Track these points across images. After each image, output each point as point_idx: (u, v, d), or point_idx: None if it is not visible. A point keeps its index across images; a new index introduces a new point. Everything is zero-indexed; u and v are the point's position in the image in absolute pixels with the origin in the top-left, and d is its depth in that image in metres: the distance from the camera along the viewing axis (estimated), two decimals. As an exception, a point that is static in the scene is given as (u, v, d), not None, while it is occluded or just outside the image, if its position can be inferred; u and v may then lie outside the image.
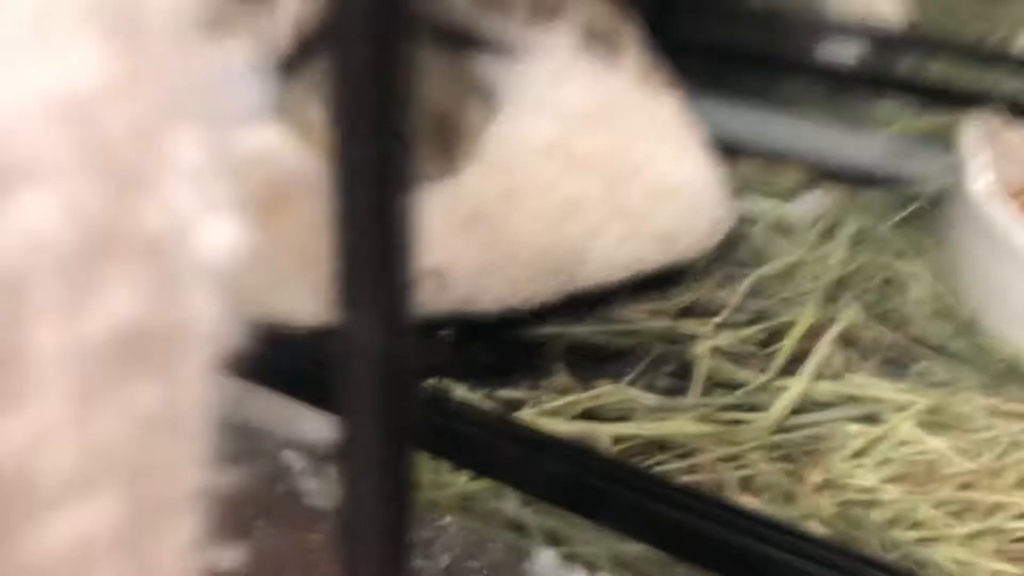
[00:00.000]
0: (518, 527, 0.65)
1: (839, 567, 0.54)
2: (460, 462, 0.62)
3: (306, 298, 0.75)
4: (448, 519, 0.57)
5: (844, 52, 1.22)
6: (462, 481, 0.67)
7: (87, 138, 0.14)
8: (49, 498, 0.13)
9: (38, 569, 0.14)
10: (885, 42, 1.22)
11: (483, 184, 0.83)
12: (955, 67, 1.21)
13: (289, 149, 0.78)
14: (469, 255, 0.82)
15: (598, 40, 0.91)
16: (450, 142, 0.83)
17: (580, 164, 0.85)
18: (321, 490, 0.64)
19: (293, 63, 0.79)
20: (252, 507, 0.61)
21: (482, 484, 0.68)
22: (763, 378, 0.81)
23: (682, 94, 0.94)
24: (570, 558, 0.62)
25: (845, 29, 1.24)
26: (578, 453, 0.63)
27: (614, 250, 0.85)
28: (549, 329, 0.85)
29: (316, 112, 0.79)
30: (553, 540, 0.65)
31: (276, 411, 0.67)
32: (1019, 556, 0.69)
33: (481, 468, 0.59)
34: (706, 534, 0.56)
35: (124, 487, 0.14)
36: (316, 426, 0.67)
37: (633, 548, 0.64)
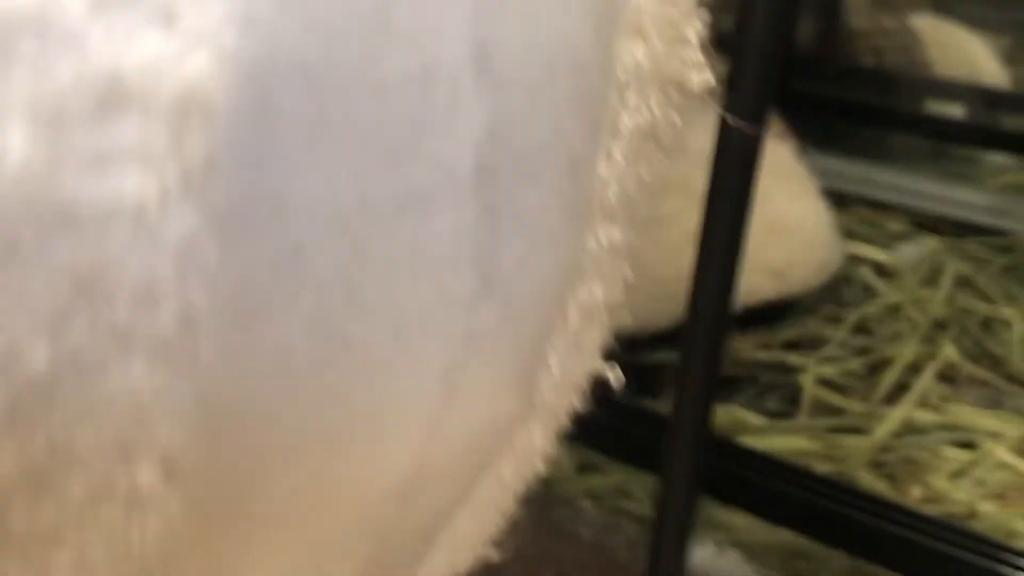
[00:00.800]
0: (644, 520, 0.71)
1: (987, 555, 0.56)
2: (606, 452, 0.66)
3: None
4: (587, 503, 0.62)
5: (950, 108, 1.26)
6: (593, 475, 0.73)
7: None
8: None
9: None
10: (990, 99, 1.26)
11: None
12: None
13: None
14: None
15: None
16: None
17: (701, 200, 0.90)
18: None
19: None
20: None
21: (609, 479, 0.74)
22: (865, 406, 0.85)
23: (796, 144, 0.99)
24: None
25: (952, 86, 1.28)
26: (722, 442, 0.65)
27: (729, 281, 0.90)
28: (663, 355, 0.88)
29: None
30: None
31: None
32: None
33: (621, 455, 0.63)
34: (854, 521, 0.58)
35: None
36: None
37: (772, 534, 0.69)
